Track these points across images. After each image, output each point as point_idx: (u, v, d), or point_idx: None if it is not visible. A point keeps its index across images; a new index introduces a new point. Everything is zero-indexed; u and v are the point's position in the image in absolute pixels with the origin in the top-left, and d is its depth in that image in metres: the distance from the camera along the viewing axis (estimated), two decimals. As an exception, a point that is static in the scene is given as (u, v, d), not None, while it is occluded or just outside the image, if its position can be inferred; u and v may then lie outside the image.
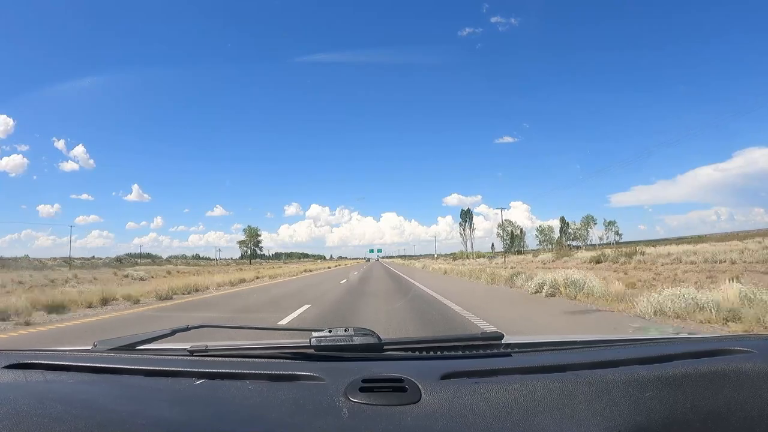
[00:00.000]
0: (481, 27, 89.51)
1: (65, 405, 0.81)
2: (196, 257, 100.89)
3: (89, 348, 1.20)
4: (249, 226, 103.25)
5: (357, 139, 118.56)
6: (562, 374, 0.88)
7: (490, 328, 5.39)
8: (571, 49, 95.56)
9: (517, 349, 1.09)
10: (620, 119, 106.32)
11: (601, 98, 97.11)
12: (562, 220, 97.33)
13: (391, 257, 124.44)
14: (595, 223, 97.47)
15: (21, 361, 1.02)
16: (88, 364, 1.02)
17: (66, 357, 1.10)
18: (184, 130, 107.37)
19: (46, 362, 1.03)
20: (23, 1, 75.22)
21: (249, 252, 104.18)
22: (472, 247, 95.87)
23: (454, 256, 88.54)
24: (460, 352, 1.08)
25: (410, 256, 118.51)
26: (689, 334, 1.84)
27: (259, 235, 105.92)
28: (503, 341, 1.09)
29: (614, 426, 0.73)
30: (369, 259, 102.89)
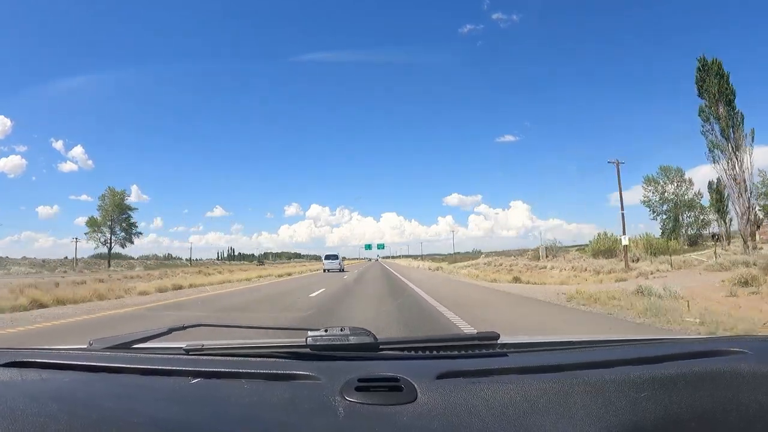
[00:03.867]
0: (482, 24, 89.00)
1: (61, 403, 0.81)
2: (168, 257, 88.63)
3: (85, 346, 1.20)
4: (110, 188, 56.69)
5: (357, 139, 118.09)
6: (558, 374, 0.88)
7: None
8: (573, 46, 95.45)
9: (513, 349, 1.09)
10: (621, 118, 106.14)
11: (602, 96, 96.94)
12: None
13: (394, 257, 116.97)
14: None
15: (17, 360, 1.02)
16: (84, 363, 1.02)
17: (62, 355, 1.10)
18: (183, 130, 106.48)
19: (41, 360, 1.02)
20: (21, 1, 74.90)
21: (109, 243, 55.01)
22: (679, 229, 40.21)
23: (599, 246, 29.70)
24: (456, 352, 1.08)
25: (428, 256, 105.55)
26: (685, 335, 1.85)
27: (132, 209, 57.49)
28: (499, 341, 1.09)
29: (610, 426, 0.74)
30: (370, 259, 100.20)
